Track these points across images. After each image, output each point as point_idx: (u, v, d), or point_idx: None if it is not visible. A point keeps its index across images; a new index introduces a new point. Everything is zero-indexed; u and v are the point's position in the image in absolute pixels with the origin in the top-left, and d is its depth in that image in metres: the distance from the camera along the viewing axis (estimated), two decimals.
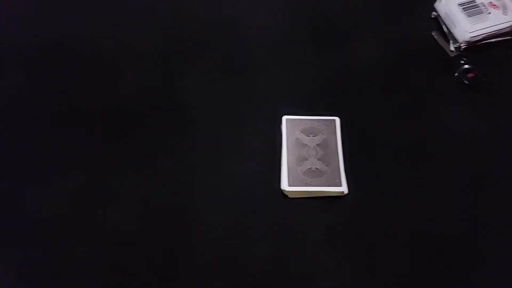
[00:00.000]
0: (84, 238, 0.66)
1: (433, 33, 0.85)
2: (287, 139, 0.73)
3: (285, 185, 0.69)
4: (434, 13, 0.87)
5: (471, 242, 0.66)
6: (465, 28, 0.81)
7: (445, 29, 0.84)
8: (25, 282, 0.63)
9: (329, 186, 0.69)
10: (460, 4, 0.83)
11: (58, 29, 0.85)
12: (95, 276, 0.63)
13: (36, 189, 0.69)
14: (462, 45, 0.82)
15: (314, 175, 0.69)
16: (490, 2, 0.83)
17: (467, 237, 0.66)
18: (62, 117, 0.76)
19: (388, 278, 0.63)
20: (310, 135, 0.73)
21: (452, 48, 0.83)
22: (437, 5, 0.86)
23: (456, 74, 0.80)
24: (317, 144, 0.72)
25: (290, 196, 0.69)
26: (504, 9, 0.82)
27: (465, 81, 0.79)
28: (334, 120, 0.75)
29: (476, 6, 0.83)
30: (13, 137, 0.74)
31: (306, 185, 0.69)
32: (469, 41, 0.81)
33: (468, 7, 0.83)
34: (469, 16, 0.82)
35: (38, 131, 0.74)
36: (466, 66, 0.80)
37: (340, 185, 0.69)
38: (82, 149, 0.73)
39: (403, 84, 0.80)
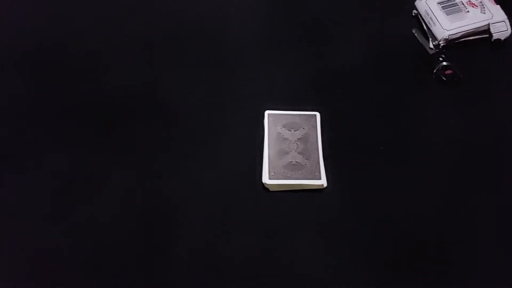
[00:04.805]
0: (68, 231, 0.67)
1: (413, 31, 0.87)
2: (269, 133, 0.74)
3: (266, 178, 0.70)
4: (414, 11, 0.89)
5: (451, 235, 0.68)
6: (444, 26, 0.83)
7: (424, 27, 0.86)
8: (7, 277, 0.64)
9: (309, 179, 0.70)
10: (440, 3, 0.85)
11: (42, 25, 0.86)
12: (79, 269, 0.64)
13: (20, 182, 0.70)
14: (441, 42, 0.83)
15: (294, 169, 0.71)
16: (469, 0, 0.85)
17: (447, 230, 0.68)
18: (47, 112, 0.77)
19: (367, 270, 0.65)
20: (291, 129, 0.74)
21: (431, 45, 0.84)
22: (417, 3, 0.88)
23: (434, 71, 0.82)
24: (298, 139, 0.74)
25: (271, 189, 0.70)
26: (482, 7, 0.84)
27: (443, 78, 0.81)
28: (315, 115, 0.76)
29: (455, 4, 0.85)
30: None
31: (286, 178, 0.70)
32: (447, 38, 0.83)
33: (447, 5, 0.84)
34: (448, 14, 0.84)
35: (21, 125, 0.75)
36: (445, 63, 0.82)
37: (319, 178, 0.70)
38: (66, 144, 0.74)
39: (383, 80, 0.81)
